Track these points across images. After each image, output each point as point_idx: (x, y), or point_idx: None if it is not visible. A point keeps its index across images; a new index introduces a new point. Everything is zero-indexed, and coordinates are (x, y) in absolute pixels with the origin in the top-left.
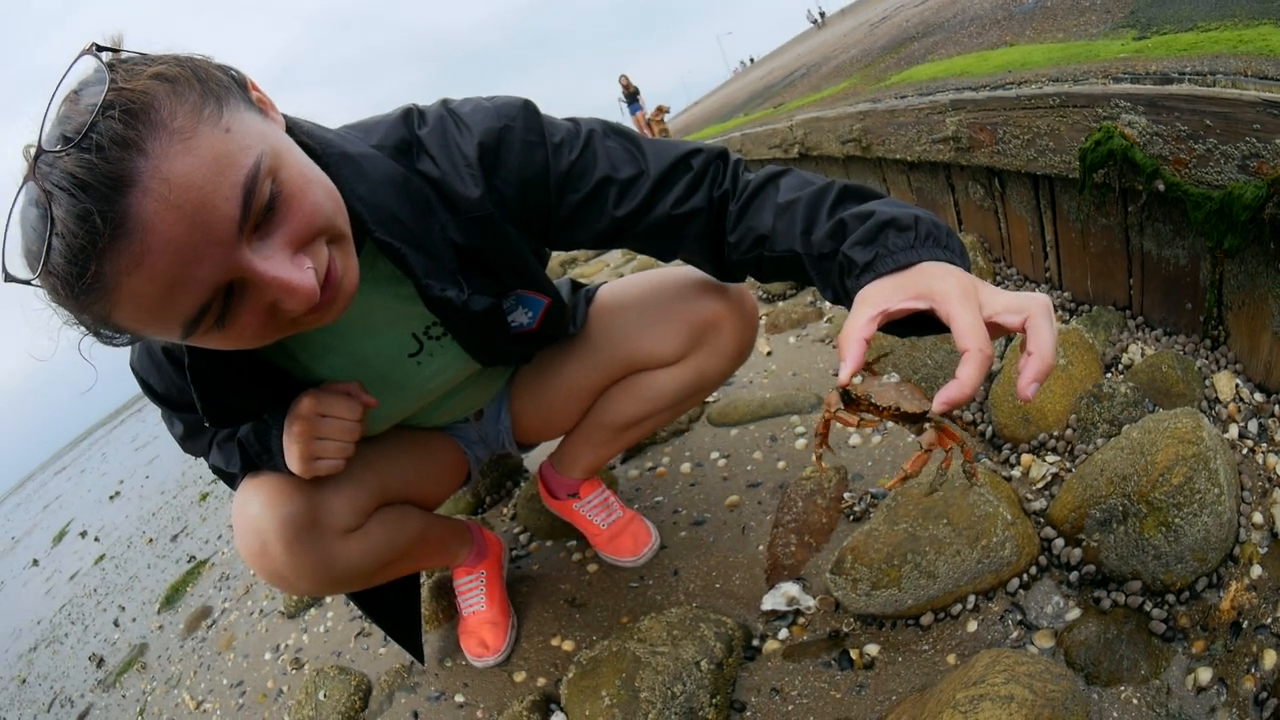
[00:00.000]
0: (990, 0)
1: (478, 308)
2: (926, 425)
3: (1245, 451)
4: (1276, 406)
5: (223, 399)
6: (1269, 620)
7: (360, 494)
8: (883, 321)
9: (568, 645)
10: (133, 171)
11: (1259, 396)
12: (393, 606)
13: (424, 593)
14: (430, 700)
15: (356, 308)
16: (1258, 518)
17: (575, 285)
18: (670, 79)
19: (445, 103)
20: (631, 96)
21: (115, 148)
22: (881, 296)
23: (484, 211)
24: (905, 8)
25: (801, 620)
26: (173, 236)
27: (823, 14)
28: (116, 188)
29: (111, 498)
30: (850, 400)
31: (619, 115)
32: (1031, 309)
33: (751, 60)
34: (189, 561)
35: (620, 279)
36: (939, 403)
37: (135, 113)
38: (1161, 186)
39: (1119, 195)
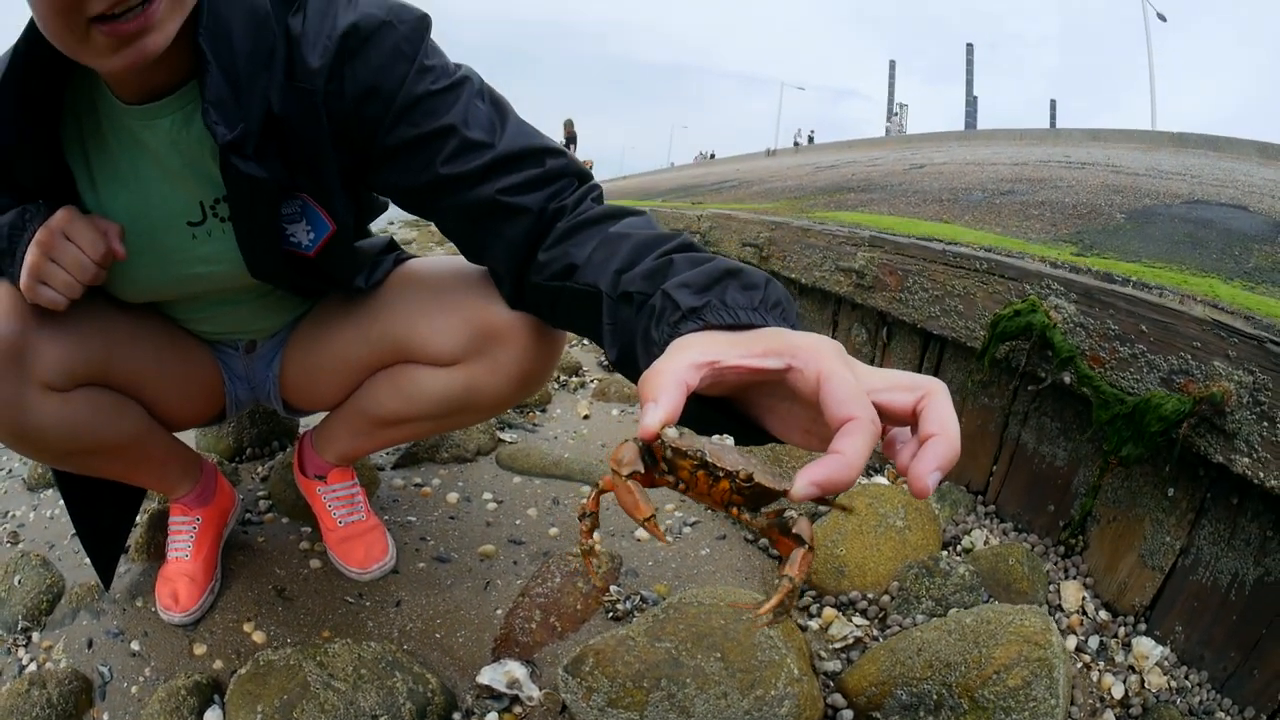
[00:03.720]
0: (940, 182)
1: (246, 169)
2: (788, 514)
3: (1080, 666)
4: (1121, 629)
5: (11, 165)
6: None
7: (79, 354)
8: (710, 378)
9: (259, 636)
10: None
11: (1104, 614)
12: (100, 518)
13: (144, 519)
14: (109, 635)
15: (163, 143)
16: None
17: (392, 245)
18: (612, 145)
19: None
20: (568, 142)
21: None
22: (712, 346)
23: (309, 85)
24: (856, 164)
25: (518, 710)
26: None
27: (811, 138)
28: None
29: None
30: (652, 461)
31: None
32: (929, 386)
33: (713, 155)
34: None
35: (440, 257)
36: (806, 482)
37: None
38: (1068, 379)
39: (1015, 377)
